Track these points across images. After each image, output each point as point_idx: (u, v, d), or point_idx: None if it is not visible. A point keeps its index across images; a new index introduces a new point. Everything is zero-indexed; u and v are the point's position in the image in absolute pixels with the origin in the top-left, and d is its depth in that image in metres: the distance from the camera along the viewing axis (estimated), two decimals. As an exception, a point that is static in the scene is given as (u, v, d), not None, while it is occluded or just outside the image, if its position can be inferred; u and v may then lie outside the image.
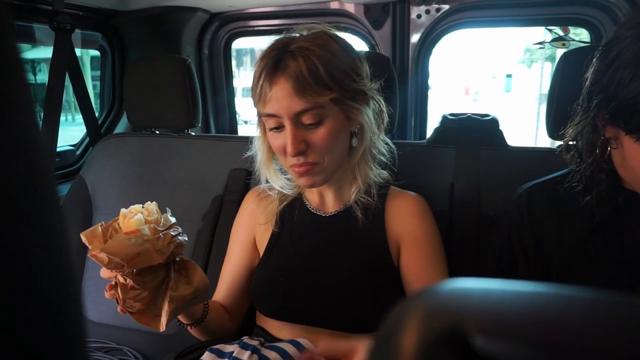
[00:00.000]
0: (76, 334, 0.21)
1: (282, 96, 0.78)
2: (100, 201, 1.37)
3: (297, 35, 0.82)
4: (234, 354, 0.79)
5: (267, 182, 0.96)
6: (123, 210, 0.71)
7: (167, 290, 0.71)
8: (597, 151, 0.73)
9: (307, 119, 0.79)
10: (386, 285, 0.88)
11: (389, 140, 0.98)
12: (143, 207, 0.71)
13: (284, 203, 0.97)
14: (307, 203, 0.97)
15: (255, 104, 0.84)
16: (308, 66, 0.77)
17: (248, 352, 0.79)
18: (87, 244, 0.69)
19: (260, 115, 0.85)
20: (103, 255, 0.64)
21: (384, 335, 0.19)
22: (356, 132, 0.88)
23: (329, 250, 0.92)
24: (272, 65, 0.79)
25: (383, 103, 0.92)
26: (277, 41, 0.82)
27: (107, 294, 0.71)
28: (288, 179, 0.96)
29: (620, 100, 0.63)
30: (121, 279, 0.69)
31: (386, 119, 0.95)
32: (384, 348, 0.18)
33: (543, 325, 0.16)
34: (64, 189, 1.46)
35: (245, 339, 0.83)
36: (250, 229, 1.00)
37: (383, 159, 0.96)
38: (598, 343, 0.15)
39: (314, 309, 0.87)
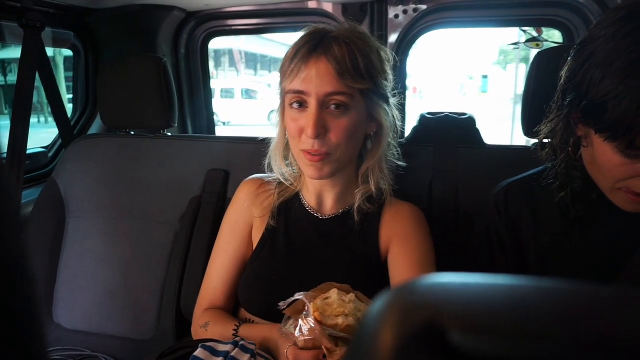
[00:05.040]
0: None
1: (318, 75, 0.79)
2: (73, 204, 1.33)
3: (336, 28, 0.84)
4: (232, 354, 0.78)
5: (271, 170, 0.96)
6: (313, 305, 0.72)
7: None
8: (570, 149, 0.74)
9: (334, 104, 0.80)
10: (376, 292, 0.88)
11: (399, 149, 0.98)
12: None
13: (282, 199, 0.96)
14: (305, 203, 0.96)
15: (283, 81, 0.84)
16: (350, 54, 0.79)
17: (248, 355, 0.78)
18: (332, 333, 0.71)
19: (287, 92, 0.84)
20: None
21: (363, 330, 0.18)
22: (372, 135, 0.89)
23: (322, 253, 0.91)
24: (314, 45, 0.80)
25: (398, 115, 0.93)
26: (315, 28, 0.84)
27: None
28: (291, 170, 0.95)
29: (591, 99, 0.64)
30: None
31: (399, 126, 0.95)
32: (362, 343, 0.18)
33: (520, 319, 0.16)
34: (36, 192, 1.42)
35: (242, 341, 0.81)
36: (248, 220, 0.98)
37: (398, 163, 0.97)
38: (576, 333, 0.15)
39: None
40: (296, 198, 0.96)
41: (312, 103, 0.80)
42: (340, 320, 0.70)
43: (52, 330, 1.26)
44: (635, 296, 0.17)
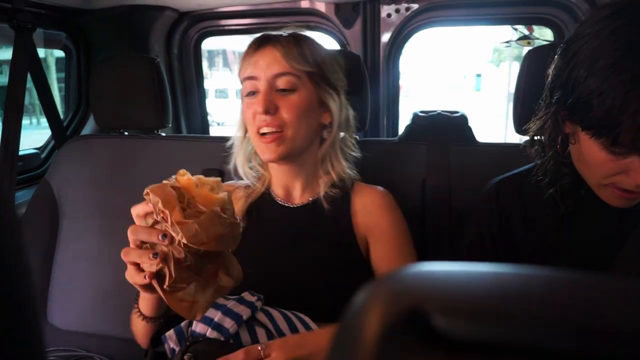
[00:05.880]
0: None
1: (265, 59, 0.86)
2: (66, 205, 1.32)
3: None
4: (228, 306, 0.78)
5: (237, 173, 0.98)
6: (193, 177, 0.64)
7: (214, 279, 0.66)
8: (558, 146, 0.75)
9: (282, 84, 0.86)
10: (353, 275, 0.89)
11: (355, 143, 1.00)
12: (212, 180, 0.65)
13: (251, 200, 0.97)
14: (274, 196, 0.97)
15: (240, 75, 0.91)
16: (295, 42, 0.88)
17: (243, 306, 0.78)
18: (156, 204, 0.60)
19: (241, 82, 0.91)
20: (194, 227, 0.58)
21: (349, 316, 0.19)
22: (327, 125, 0.93)
23: (296, 241, 0.92)
24: (262, 39, 0.89)
25: (351, 110, 0.97)
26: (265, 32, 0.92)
27: (151, 265, 0.62)
28: (253, 174, 0.98)
29: (577, 97, 0.65)
30: (181, 255, 0.61)
31: (352, 122, 0.98)
32: (348, 329, 0.18)
33: (502, 301, 0.16)
34: (28, 194, 1.41)
35: (246, 295, 0.81)
36: None
37: (354, 154, 0.99)
38: (558, 314, 0.16)
39: (281, 299, 0.86)
40: (266, 195, 0.98)
41: (262, 85, 0.86)
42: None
43: (46, 331, 1.25)
44: (611, 282, 0.17)
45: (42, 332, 0.22)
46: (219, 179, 0.66)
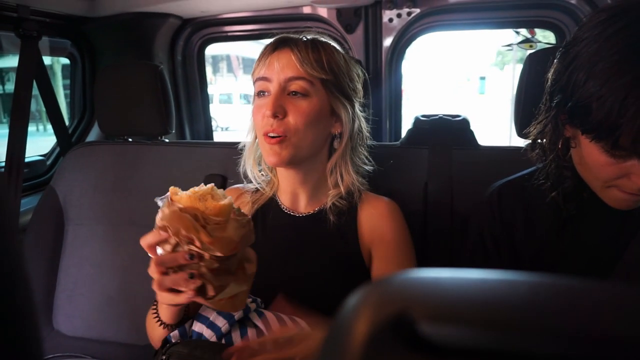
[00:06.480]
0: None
1: (280, 62, 0.85)
2: (72, 212, 1.34)
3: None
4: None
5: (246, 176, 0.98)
6: (188, 192, 0.66)
7: (242, 270, 0.69)
8: (559, 150, 0.75)
9: (294, 87, 0.84)
10: (355, 285, 0.88)
11: (368, 156, 1.00)
12: (204, 187, 0.68)
13: (257, 205, 0.97)
14: (280, 204, 0.97)
15: (253, 76, 0.90)
16: (313, 48, 0.86)
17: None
18: (178, 232, 0.62)
19: (254, 82, 0.89)
20: (225, 240, 0.62)
21: (339, 321, 0.19)
22: (337, 135, 0.92)
23: (301, 249, 0.92)
24: (280, 41, 0.87)
25: (364, 122, 0.96)
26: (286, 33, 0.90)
27: (188, 285, 0.64)
28: (263, 177, 0.98)
29: (577, 100, 0.65)
30: (215, 265, 0.63)
31: (365, 135, 0.97)
32: (336, 333, 0.19)
33: (486, 308, 0.17)
34: (34, 200, 1.43)
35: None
36: None
37: (366, 168, 0.98)
38: (542, 321, 0.16)
39: None
40: (272, 202, 0.98)
41: (273, 87, 0.85)
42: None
43: (52, 336, 1.26)
44: (597, 288, 0.18)
45: (41, 339, 0.22)
46: (212, 184, 0.68)
